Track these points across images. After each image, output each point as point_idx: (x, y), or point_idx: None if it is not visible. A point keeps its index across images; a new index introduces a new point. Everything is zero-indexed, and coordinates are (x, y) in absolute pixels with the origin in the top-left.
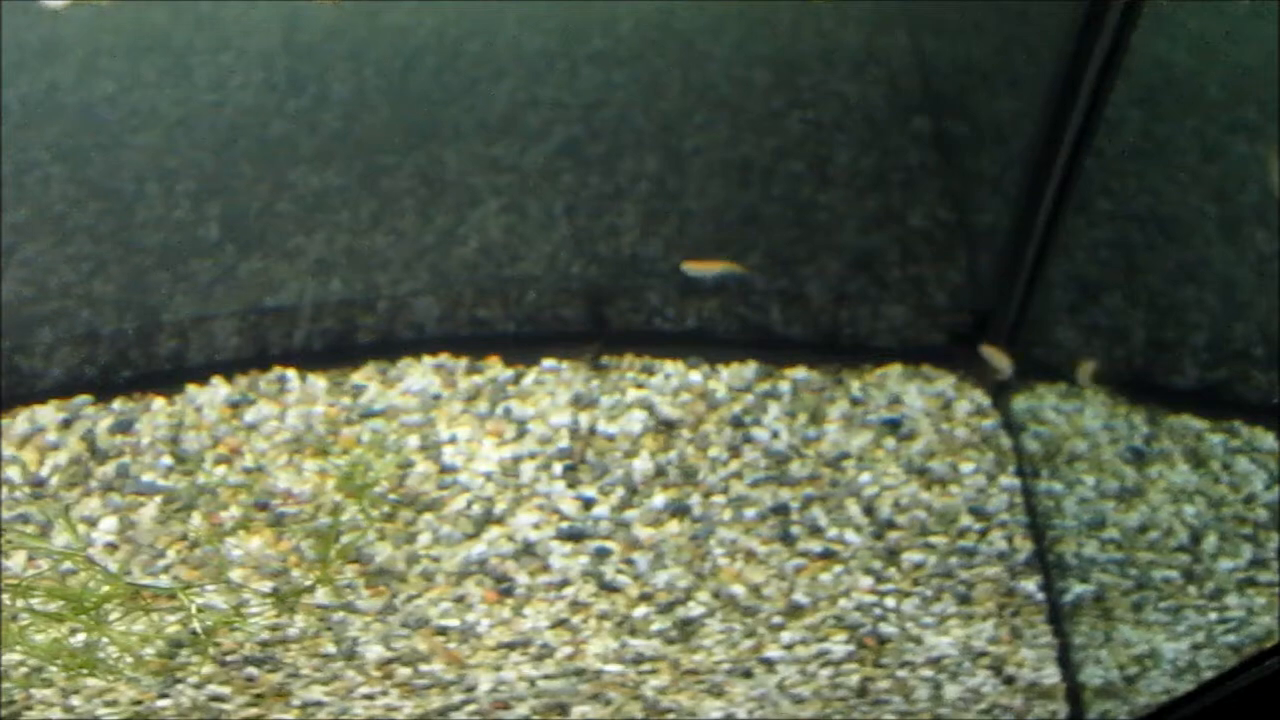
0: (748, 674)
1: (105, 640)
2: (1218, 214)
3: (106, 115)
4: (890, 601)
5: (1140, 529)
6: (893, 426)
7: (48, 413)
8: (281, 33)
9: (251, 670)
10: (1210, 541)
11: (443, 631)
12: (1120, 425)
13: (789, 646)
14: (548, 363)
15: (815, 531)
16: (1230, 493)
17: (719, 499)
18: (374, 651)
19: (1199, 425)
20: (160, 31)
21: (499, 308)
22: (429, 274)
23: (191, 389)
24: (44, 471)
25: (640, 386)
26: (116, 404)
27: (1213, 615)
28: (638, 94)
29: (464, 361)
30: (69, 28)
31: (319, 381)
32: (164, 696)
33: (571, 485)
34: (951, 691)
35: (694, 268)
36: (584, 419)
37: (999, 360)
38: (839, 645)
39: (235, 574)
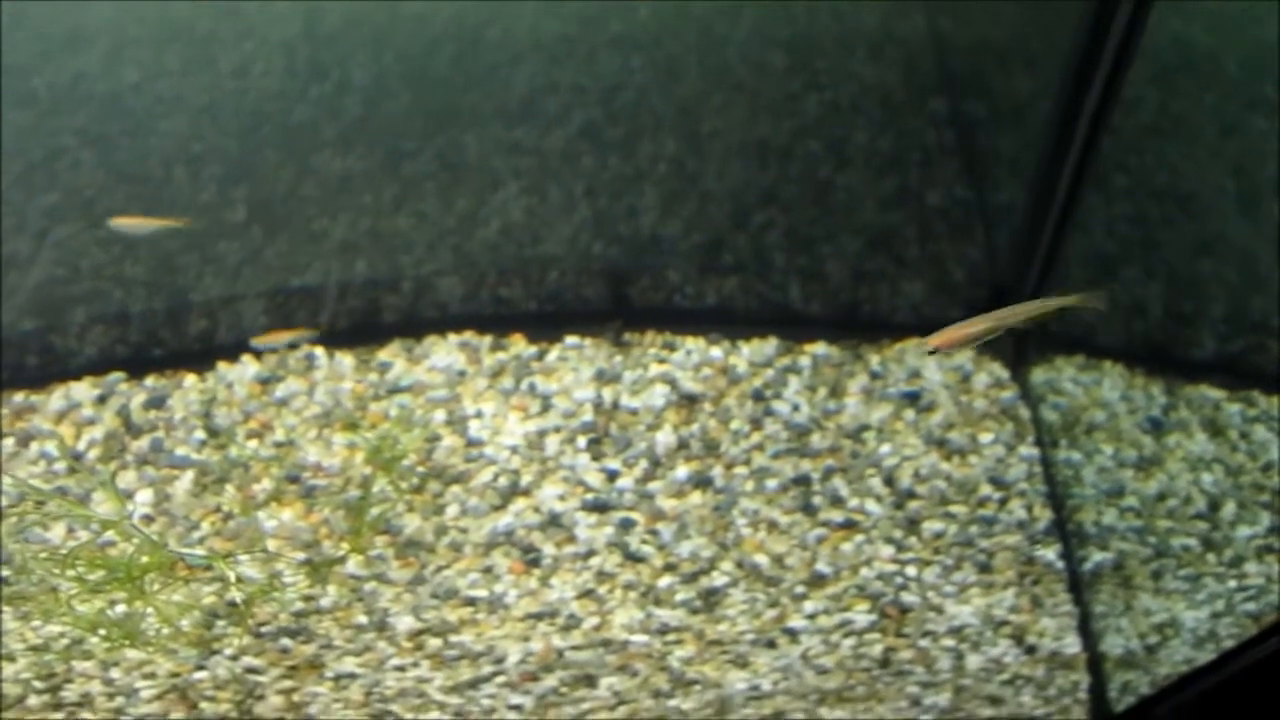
0: (771, 644)
1: (146, 611)
2: (1236, 189)
3: (133, 102)
4: (911, 570)
5: (1159, 497)
6: (912, 399)
7: (83, 389)
8: (303, 21)
9: (286, 642)
10: (1228, 509)
11: (472, 602)
12: (1138, 396)
13: (812, 616)
14: (570, 340)
15: (836, 502)
16: (1248, 461)
17: (741, 470)
18: (405, 622)
19: (1216, 395)
20: (184, 21)
21: (521, 287)
22: (452, 255)
23: (222, 366)
24: (81, 446)
25: (662, 362)
26: (149, 381)
27: (1232, 583)
28: (655, 77)
29: (488, 339)
30: (94, 19)
31: (346, 359)
32: (201, 669)
33: (595, 458)
34: (974, 662)
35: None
36: (607, 394)
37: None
38: (861, 615)
39: (268, 545)
